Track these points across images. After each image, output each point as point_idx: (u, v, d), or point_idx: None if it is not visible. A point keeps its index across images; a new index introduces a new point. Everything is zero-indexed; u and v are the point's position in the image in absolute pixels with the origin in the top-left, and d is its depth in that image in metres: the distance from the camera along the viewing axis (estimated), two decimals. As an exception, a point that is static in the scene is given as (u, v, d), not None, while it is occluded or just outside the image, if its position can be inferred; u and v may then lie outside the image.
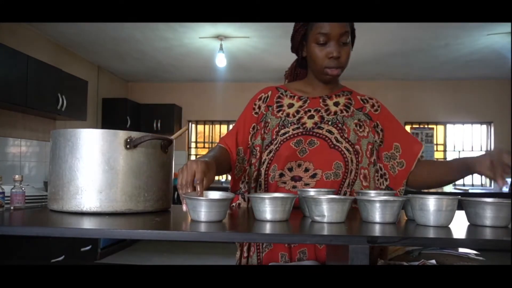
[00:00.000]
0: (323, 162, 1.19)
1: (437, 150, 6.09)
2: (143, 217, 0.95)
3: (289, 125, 1.22)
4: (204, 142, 6.52)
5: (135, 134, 1.01)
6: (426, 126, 6.07)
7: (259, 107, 1.29)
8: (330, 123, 1.22)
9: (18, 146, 3.93)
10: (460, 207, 0.88)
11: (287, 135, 1.21)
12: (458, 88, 5.94)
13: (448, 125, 6.12)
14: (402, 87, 6.05)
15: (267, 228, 0.79)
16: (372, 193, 1.04)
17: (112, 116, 5.56)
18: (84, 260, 3.93)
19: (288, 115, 1.25)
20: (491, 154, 0.97)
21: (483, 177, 6.00)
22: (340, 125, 1.22)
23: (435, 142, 6.05)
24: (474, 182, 6.03)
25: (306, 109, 1.25)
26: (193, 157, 6.51)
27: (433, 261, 0.98)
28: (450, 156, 6.11)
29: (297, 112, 1.25)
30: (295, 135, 1.20)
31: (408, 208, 0.95)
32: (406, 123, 6.06)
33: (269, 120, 1.26)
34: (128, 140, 1.00)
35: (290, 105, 1.27)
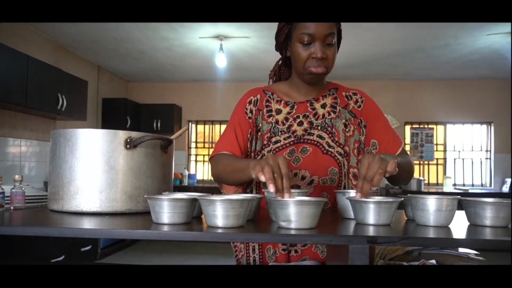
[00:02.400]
0: (318, 168, 1.18)
1: (437, 150, 6.09)
2: (143, 217, 0.95)
3: (280, 133, 1.20)
4: (204, 142, 6.51)
5: (135, 134, 1.01)
6: (426, 126, 6.07)
7: (251, 111, 1.25)
8: (319, 127, 1.21)
9: (18, 146, 3.93)
10: (460, 207, 0.88)
11: (279, 144, 1.19)
12: (458, 88, 5.94)
13: (448, 125, 6.12)
14: (402, 87, 6.05)
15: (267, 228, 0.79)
16: (352, 192, 0.98)
17: (112, 116, 5.56)
18: (84, 260, 3.92)
19: (277, 122, 1.22)
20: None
21: (483, 177, 6.01)
22: (329, 128, 1.21)
23: (435, 142, 6.05)
24: (474, 182, 6.03)
25: (295, 116, 1.23)
26: (193, 157, 6.51)
27: (433, 261, 0.99)
28: (450, 156, 6.11)
29: (286, 119, 1.22)
30: (287, 144, 1.19)
31: (408, 208, 0.95)
32: (406, 123, 6.06)
33: (260, 124, 1.24)
34: (128, 140, 1.00)
35: (278, 111, 1.24)
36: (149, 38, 4.33)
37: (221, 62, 4.57)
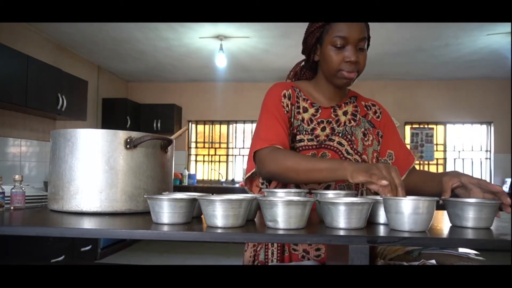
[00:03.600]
0: None
1: (437, 150, 6.09)
2: (143, 217, 0.95)
3: (304, 133, 1.19)
4: (204, 142, 6.51)
5: (135, 134, 1.01)
6: (426, 126, 6.07)
7: (287, 105, 1.20)
8: (340, 134, 1.21)
9: (18, 146, 3.93)
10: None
11: (302, 144, 1.18)
12: (458, 88, 5.94)
13: (448, 125, 6.12)
14: (402, 87, 6.05)
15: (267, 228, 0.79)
16: (331, 193, 0.95)
17: (112, 116, 5.56)
18: (84, 260, 3.92)
19: (303, 120, 1.21)
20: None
21: (483, 177, 5.99)
22: (349, 136, 1.22)
23: (435, 142, 6.05)
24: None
25: (319, 120, 1.22)
26: (193, 157, 6.51)
27: (433, 261, 0.98)
28: (450, 156, 6.11)
29: (311, 120, 1.21)
30: (309, 147, 1.18)
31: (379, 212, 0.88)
32: (406, 123, 6.06)
33: (292, 119, 1.21)
34: (128, 140, 1.00)
35: (305, 109, 1.22)
36: (149, 38, 4.33)
37: (221, 62, 4.57)
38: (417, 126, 6.07)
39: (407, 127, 6.08)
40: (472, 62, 5.01)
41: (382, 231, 0.79)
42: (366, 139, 1.24)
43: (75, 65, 4.83)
